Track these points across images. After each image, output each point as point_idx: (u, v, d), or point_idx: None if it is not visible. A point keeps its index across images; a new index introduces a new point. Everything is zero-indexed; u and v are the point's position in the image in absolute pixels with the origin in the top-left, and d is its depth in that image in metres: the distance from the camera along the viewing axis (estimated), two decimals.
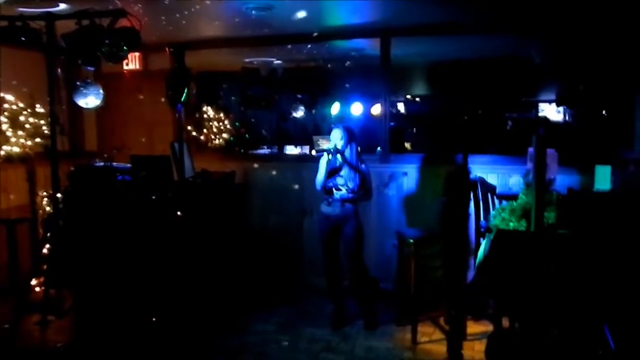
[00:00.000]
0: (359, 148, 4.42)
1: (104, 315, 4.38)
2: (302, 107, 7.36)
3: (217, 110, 7.20)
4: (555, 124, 9.68)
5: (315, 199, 5.42)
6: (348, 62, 6.95)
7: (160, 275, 4.34)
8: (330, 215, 4.40)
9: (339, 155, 4.31)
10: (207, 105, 7.14)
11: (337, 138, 4.33)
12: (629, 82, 6.14)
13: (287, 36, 5.46)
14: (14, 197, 5.37)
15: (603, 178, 3.89)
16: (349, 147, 4.34)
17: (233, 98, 7.50)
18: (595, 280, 2.91)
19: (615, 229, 3.14)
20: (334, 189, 4.37)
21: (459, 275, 4.13)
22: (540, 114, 10.48)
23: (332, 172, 4.36)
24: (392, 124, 6.07)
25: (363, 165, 4.40)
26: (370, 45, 5.92)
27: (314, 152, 5.69)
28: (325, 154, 4.31)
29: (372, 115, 7.55)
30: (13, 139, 5.09)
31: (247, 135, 7.34)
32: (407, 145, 8.55)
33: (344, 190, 4.34)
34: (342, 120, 7.58)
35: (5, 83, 5.19)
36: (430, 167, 5.17)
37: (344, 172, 4.34)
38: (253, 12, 4.34)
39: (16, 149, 5.10)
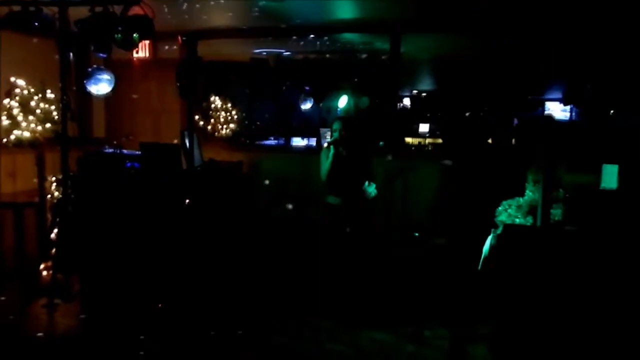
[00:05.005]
0: (362, 139, 4.45)
1: (110, 300, 4.42)
2: (310, 99, 7.34)
3: (224, 100, 7.21)
4: (561, 123, 9.66)
5: (320, 190, 5.45)
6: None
7: (166, 262, 4.38)
8: (335, 205, 4.44)
9: (340, 147, 4.37)
10: (215, 95, 7.16)
11: (338, 130, 4.39)
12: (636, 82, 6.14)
13: (297, 28, 5.46)
14: (22, 181, 5.41)
15: (610, 177, 3.90)
16: (350, 138, 4.38)
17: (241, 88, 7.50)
18: (599, 278, 2.94)
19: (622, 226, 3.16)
20: (338, 180, 4.39)
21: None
22: (546, 113, 10.47)
23: (335, 163, 4.40)
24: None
25: (365, 157, 4.45)
26: (379, 40, 5.93)
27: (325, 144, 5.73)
28: (327, 145, 4.38)
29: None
30: (24, 124, 5.11)
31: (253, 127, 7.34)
32: None
33: (348, 181, 4.37)
34: (347, 112, 7.52)
35: (17, 68, 5.21)
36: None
37: (347, 162, 4.38)
38: (262, 2, 4.35)
39: (26, 134, 5.12)
